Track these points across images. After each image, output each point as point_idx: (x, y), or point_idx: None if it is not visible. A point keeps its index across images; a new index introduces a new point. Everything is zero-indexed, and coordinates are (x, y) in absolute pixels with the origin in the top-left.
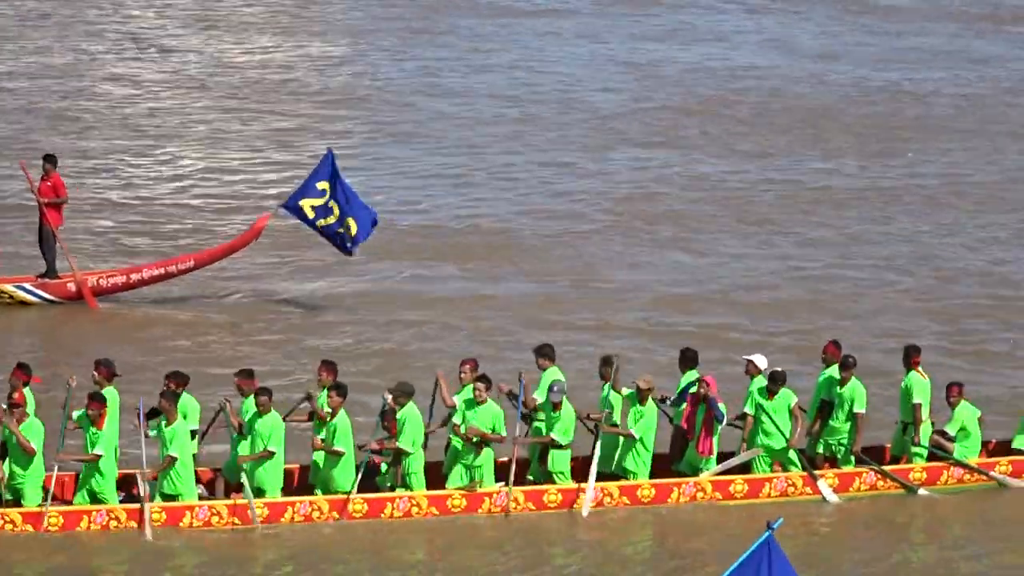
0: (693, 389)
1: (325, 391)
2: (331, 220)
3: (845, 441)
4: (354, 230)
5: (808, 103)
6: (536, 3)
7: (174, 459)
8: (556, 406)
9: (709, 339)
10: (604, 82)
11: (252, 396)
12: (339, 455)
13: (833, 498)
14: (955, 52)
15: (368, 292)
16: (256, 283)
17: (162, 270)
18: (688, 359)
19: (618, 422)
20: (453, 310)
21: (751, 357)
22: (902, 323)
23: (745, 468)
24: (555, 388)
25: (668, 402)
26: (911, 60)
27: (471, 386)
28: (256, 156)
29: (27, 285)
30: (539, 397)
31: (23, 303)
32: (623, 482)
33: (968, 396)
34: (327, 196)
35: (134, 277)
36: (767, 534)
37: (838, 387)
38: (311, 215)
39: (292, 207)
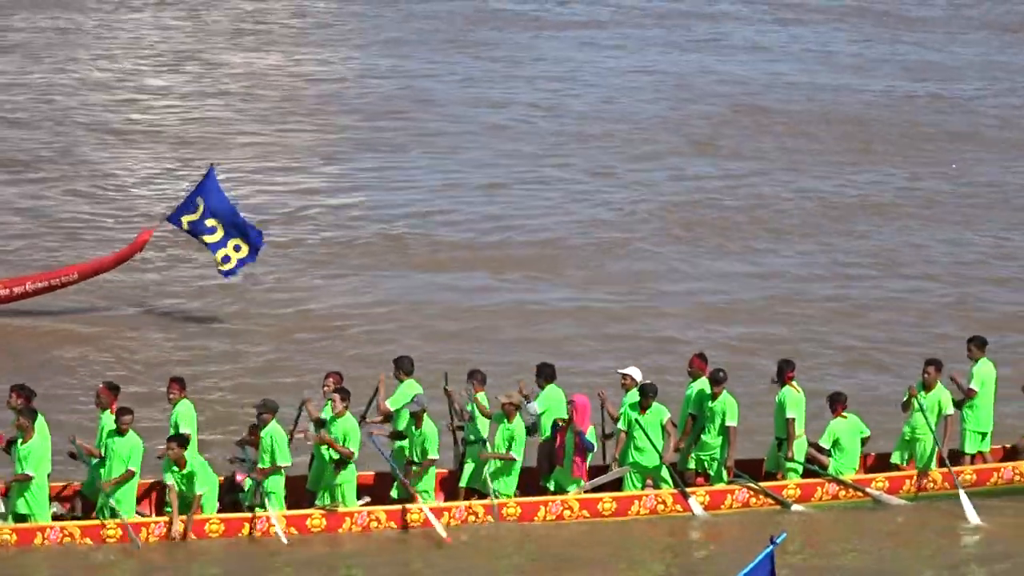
0: (561, 416)
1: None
2: (216, 237)
3: (718, 456)
4: (245, 251)
5: (846, 113)
6: (573, 16)
7: (30, 478)
8: (418, 421)
9: (750, 351)
10: (640, 92)
11: (110, 412)
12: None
13: (703, 515)
14: (995, 63)
15: (401, 301)
16: (282, 295)
17: (45, 283)
18: (545, 374)
19: (485, 437)
20: (473, 318)
21: (626, 370)
22: (941, 331)
23: (616, 484)
24: (415, 400)
25: (526, 407)
26: (946, 70)
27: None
28: (297, 167)
29: None
30: (392, 406)
31: None
32: (488, 500)
33: (855, 409)
34: (200, 210)
35: (16, 290)
36: (769, 548)
37: (709, 401)
38: (186, 227)
39: (174, 221)
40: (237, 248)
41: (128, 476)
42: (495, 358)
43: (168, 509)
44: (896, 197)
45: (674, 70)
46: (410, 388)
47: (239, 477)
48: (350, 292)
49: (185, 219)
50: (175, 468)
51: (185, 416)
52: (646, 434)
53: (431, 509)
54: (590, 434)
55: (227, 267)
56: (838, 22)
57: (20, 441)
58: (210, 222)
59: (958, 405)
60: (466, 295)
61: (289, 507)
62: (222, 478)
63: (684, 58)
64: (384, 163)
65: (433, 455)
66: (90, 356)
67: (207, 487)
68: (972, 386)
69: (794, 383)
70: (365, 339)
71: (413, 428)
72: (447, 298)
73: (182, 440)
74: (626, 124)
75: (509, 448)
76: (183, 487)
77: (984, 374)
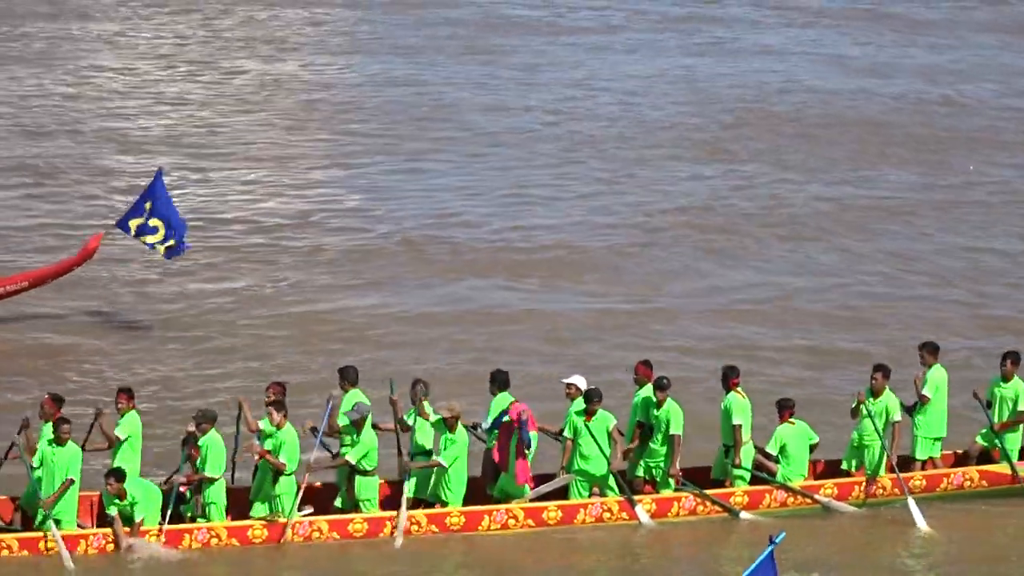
0: (506, 418)
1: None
2: (158, 237)
3: (663, 464)
4: (170, 243)
5: (858, 116)
6: (586, 21)
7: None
8: (358, 428)
9: (772, 361)
10: (654, 97)
11: (51, 423)
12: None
13: (649, 523)
14: (1008, 65)
15: (433, 310)
16: (307, 297)
17: None
18: (498, 382)
19: (429, 447)
20: (489, 324)
21: (570, 379)
22: (961, 336)
23: (563, 493)
24: (356, 408)
25: (480, 429)
26: (959, 72)
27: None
28: (315, 174)
29: None
30: (342, 422)
31: None
32: (431, 510)
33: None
34: (146, 214)
35: None
36: (769, 548)
37: (655, 409)
38: (133, 232)
39: (122, 226)
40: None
41: (68, 484)
42: (516, 366)
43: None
44: (912, 200)
45: (687, 74)
46: (355, 398)
47: (181, 487)
48: (366, 298)
49: (133, 223)
50: (117, 500)
51: (126, 426)
52: (595, 439)
53: (371, 519)
54: (534, 439)
55: (168, 245)
56: (847, 26)
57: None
58: (153, 222)
59: (910, 411)
60: (483, 301)
61: (235, 518)
62: (165, 487)
63: (696, 62)
64: (400, 169)
65: (372, 465)
66: (103, 369)
67: (147, 512)
68: (925, 392)
69: (739, 389)
70: (383, 344)
71: (355, 436)
72: (464, 304)
73: (119, 475)
74: (640, 128)
75: (454, 460)
76: (127, 514)
77: (937, 380)
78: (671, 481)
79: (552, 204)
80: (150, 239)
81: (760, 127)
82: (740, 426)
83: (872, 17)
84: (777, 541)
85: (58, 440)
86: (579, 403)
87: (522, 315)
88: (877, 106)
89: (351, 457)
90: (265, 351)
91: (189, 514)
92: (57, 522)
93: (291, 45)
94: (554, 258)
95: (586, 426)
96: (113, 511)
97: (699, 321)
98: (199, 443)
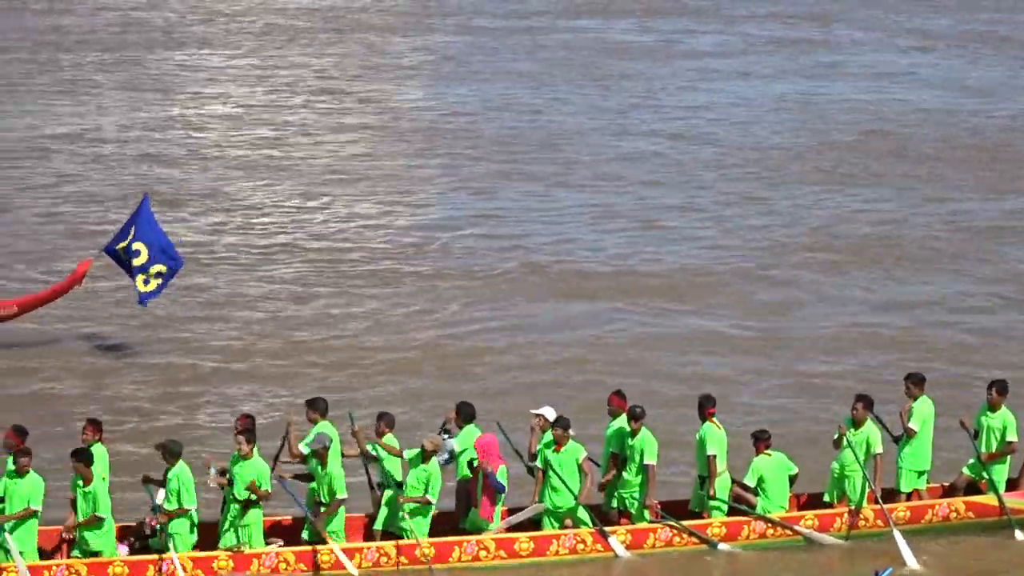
0: (475, 460)
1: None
2: (141, 260)
3: (638, 495)
4: (163, 270)
5: (977, 138)
6: (699, 45)
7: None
8: (322, 460)
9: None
10: (771, 120)
11: (11, 455)
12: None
13: (625, 554)
14: None
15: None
16: (433, 321)
17: None
18: (465, 414)
19: (398, 479)
20: (607, 350)
21: (539, 411)
22: None
23: (536, 525)
24: (318, 437)
25: (442, 449)
26: None
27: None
28: (436, 199)
29: None
30: (304, 449)
31: None
32: (400, 541)
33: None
34: (130, 237)
35: None
36: None
37: (629, 439)
38: (123, 256)
39: (110, 251)
40: (159, 275)
41: (28, 514)
42: (642, 388)
43: (75, 554)
44: None
45: (803, 98)
46: (323, 430)
47: (149, 520)
48: (485, 321)
49: (120, 247)
50: (80, 483)
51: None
52: (557, 474)
53: (342, 549)
54: (501, 474)
55: (148, 289)
56: (959, 47)
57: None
58: (137, 246)
59: (896, 441)
60: (603, 324)
61: (203, 549)
62: (136, 523)
63: (812, 86)
64: (521, 194)
65: (341, 495)
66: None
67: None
68: (911, 425)
69: (714, 419)
70: (499, 368)
71: (320, 468)
72: (586, 328)
73: (84, 457)
74: (758, 152)
75: (425, 491)
76: (83, 504)
77: (924, 413)
78: (646, 512)
79: (674, 229)
80: (135, 261)
81: (877, 150)
82: (714, 457)
83: (983, 39)
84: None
85: (18, 471)
86: (549, 435)
87: (645, 338)
88: (994, 127)
89: (321, 490)
90: (394, 375)
91: (155, 546)
92: (21, 553)
93: (408, 72)
94: (678, 282)
95: (553, 458)
96: (72, 492)
97: (823, 345)
98: (168, 475)
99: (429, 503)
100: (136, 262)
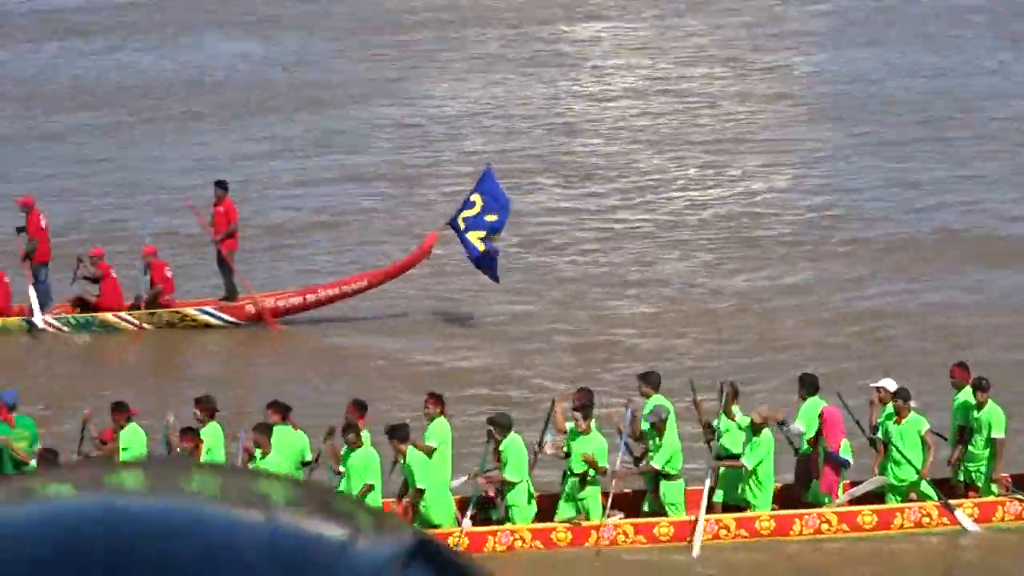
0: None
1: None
2: (474, 212)
3: (984, 469)
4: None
5: None
6: None
7: None
8: (660, 432)
9: None
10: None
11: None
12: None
13: (974, 528)
14: None
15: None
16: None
17: (336, 290)
18: (808, 384)
19: (737, 451)
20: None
21: (880, 383)
22: None
23: (880, 499)
24: (655, 410)
25: (785, 428)
26: None
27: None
28: (840, 166)
29: (208, 308)
30: (644, 425)
31: (207, 326)
32: (740, 514)
33: None
34: (477, 207)
35: (310, 298)
36: None
37: (975, 411)
38: (462, 226)
39: (453, 224)
40: (491, 230)
41: (366, 489)
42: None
43: None
44: None
45: None
46: (659, 402)
47: (488, 492)
48: (893, 294)
49: (461, 216)
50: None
51: (433, 435)
52: (897, 448)
53: (677, 523)
54: (844, 448)
55: (482, 248)
56: None
57: (260, 456)
58: (490, 217)
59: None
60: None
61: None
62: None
63: None
64: (936, 159)
65: (678, 468)
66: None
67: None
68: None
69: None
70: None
71: (657, 440)
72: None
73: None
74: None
75: (759, 463)
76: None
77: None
78: (994, 486)
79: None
80: (476, 234)
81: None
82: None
83: None
84: None
85: (351, 446)
86: (889, 406)
87: None
88: None
89: (655, 463)
90: (801, 343)
91: (496, 517)
92: None
93: (810, 40)
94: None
95: (894, 429)
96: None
97: None
98: (500, 448)
99: (744, 467)
100: (475, 234)
